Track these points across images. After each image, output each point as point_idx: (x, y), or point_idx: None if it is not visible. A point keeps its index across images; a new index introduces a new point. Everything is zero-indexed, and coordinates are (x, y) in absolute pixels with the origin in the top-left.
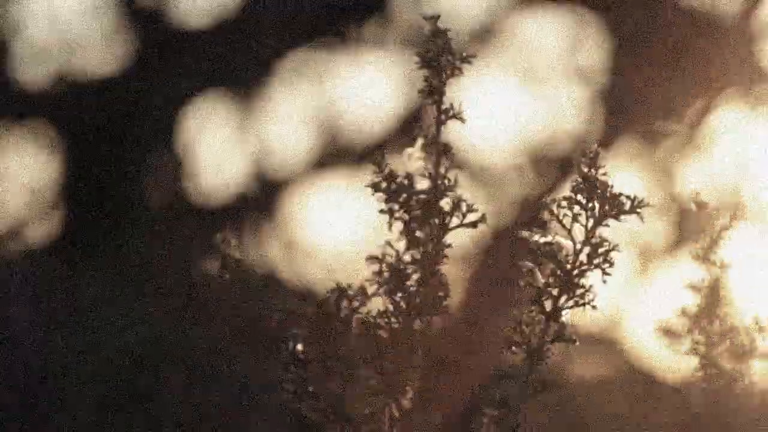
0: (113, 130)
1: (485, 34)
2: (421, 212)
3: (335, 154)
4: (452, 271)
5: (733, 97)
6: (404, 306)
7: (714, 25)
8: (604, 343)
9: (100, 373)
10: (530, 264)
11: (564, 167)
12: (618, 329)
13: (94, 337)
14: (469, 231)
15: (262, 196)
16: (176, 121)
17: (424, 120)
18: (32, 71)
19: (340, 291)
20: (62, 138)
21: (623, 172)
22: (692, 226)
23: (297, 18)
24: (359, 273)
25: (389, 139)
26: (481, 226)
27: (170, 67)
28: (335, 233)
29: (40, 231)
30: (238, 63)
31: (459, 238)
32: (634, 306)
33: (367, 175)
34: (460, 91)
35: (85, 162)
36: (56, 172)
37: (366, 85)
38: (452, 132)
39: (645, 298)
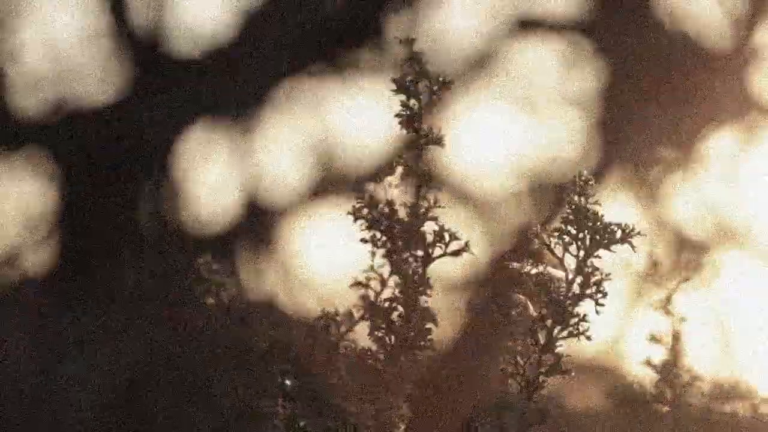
0: (109, 158)
1: (481, 61)
2: (402, 241)
3: (331, 181)
4: (448, 299)
5: (725, 125)
6: (389, 342)
7: (707, 53)
8: (597, 370)
9: (95, 400)
10: (522, 297)
11: (560, 194)
12: (611, 355)
13: (89, 365)
14: (466, 258)
15: (258, 225)
16: (172, 150)
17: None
18: (29, 99)
19: (328, 317)
20: (59, 166)
21: (616, 200)
22: (650, 281)
23: (292, 45)
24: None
25: (386, 167)
26: (466, 254)
27: (166, 96)
28: (331, 261)
29: (36, 259)
30: (233, 91)
31: (455, 266)
32: (627, 331)
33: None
34: (456, 117)
35: (82, 190)
36: (52, 200)
37: (361, 112)
38: (447, 159)
39: (636, 325)
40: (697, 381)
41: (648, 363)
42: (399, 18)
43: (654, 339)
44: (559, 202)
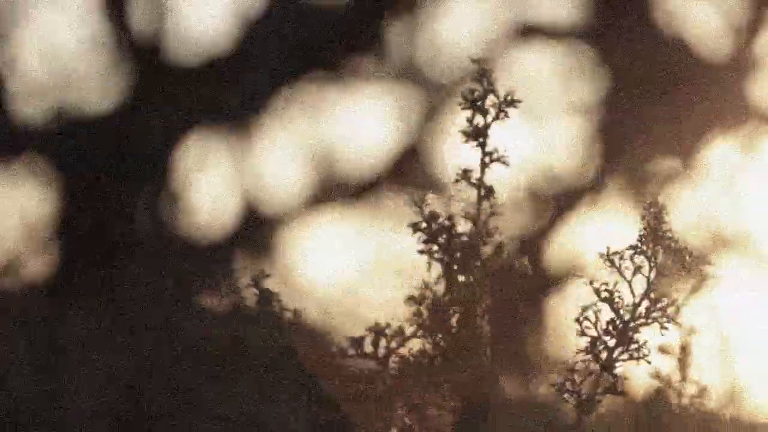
0: (109, 165)
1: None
2: (461, 255)
3: (331, 188)
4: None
5: (725, 134)
6: (444, 346)
7: (707, 61)
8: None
9: (95, 407)
10: (591, 313)
11: (559, 204)
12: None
13: (88, 372)
14: None
15: (257, 232)
16: (171, 157)
17: (466, 162)
18: (28, 107)
19: (378, 331)
20: (58, 173)
21: (616, 208)
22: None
23: (291, 52)
24: (357, 310)
25: (386, 175)
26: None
27: (166, 103)
28: (331, 268)
29: (36, 267)
30: (233, 98)
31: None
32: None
33: (363, 210)
34: (455, 126)
35: (81, 197)
36: (52, 208)
37: (362, 120)
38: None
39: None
40: (705, 392)
41: (657, 375)
42: (399, 25)
43: (663, 350)
44: (559, 210)
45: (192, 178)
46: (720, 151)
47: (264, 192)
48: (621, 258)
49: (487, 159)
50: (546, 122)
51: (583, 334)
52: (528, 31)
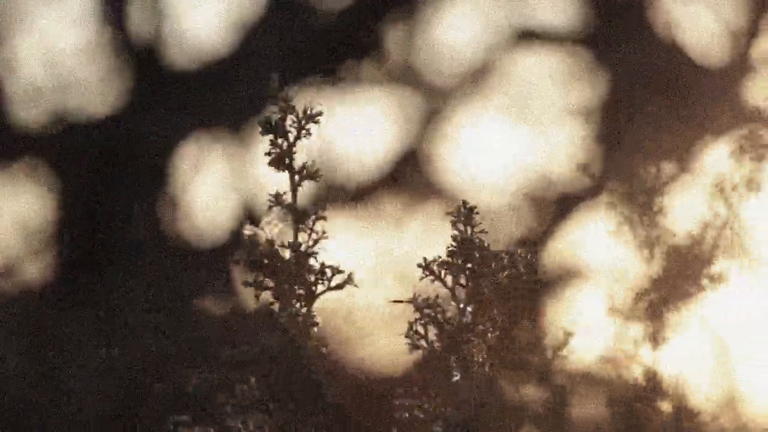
0: (107, 170)
1: (479, 73)
2: (287, 281)
3: (329, 193)
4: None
5: (724, 138)
6: (281, 392)
7: (705, 66)
8: (603, 380)
9: (92, 409)
10: (419, 326)
11: (560, 207)
12: (616, 365)
13: (86, 375)
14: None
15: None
16: (170, 161)
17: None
18: (27, 110)
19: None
20: (57, 177)
21: (615, 213)
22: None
23: (289, 57)
24: (355, 312)
25: (385, 179)
26: (350, 287)
27: (164, 107)
28: None
29: (34, 270)
30: (232, 103)
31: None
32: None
33: (362, 214)
34: (454, 130)
35: (80, 201)
36: (50, 211)
37: (360, 124)
38: (446, 172)
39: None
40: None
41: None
42: (398, 29)
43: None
44: (559, 215)
45: (190, 183)
46: (718, 156)
47: (262, 196)
48: (440, 267)
49: (296, 179)
50: (544, 127)
51: (415, 347)
52: (526, 36)
